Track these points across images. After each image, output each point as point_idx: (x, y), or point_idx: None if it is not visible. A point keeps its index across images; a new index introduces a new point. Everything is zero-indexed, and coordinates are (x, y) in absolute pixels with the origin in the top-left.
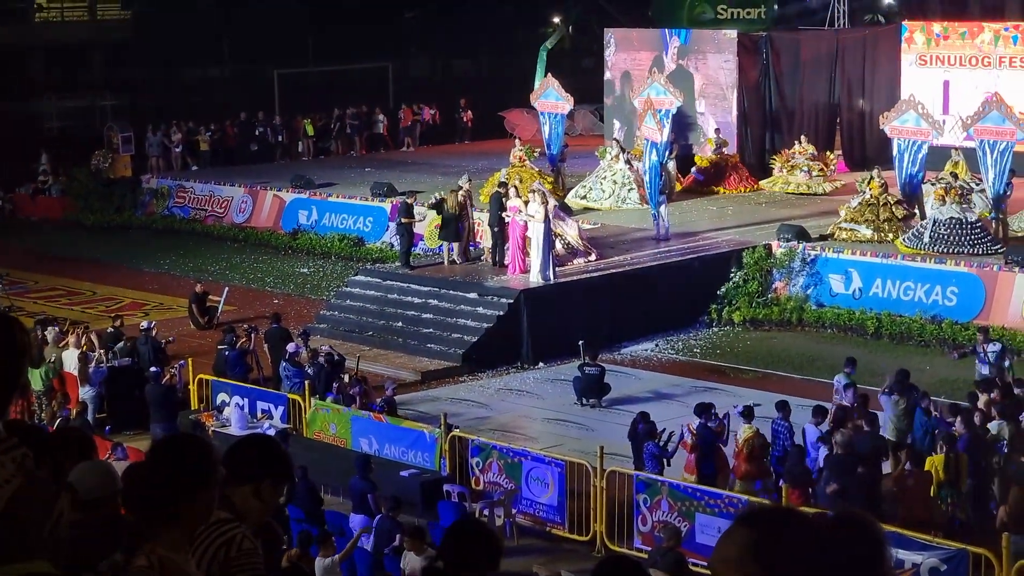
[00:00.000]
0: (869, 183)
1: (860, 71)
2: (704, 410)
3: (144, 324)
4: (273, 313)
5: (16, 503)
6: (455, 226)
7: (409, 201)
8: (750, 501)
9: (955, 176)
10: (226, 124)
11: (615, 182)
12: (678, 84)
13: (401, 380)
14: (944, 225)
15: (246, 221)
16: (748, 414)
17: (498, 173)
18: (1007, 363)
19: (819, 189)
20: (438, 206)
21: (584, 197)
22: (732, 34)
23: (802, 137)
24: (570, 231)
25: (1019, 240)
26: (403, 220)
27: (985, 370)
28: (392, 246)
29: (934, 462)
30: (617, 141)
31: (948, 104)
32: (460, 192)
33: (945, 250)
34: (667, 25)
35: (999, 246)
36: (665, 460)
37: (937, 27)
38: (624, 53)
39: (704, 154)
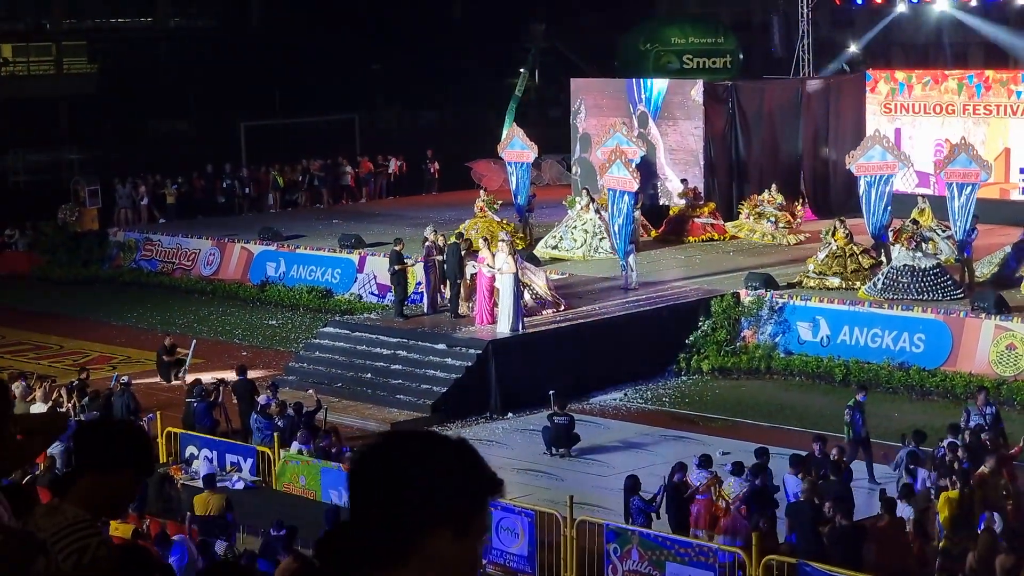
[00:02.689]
0: (834, 234)
1: (825, 119)
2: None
3: (124, 378)
4: (239, 365)
5: None
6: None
7: (398, 248)
8: (716, 547)
9: (916, 223)
10: (193, 177)
11: (586, 231)
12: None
13: (369, 431)
14: (898, 272)
15: (214, 273)
16: (738, 470)
17: (462, 225)
18: (1000, 426)
19: (783, 241)
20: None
21: (555, 247)
22: (699, 97)
23: (772, 186)
24: (538, 281)
25: (984, 286)
26: (397, 268)
27: (975, 423)
28: (360, 297)
29: (948, 497)
30: (587, 191)
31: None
32: (425, 243)
33: (896, 296)
34: (633, 75)
35: (959, 291)
36: (654, 514)
37: (901, 76)
38: (592, 103)
39: (675, 202)
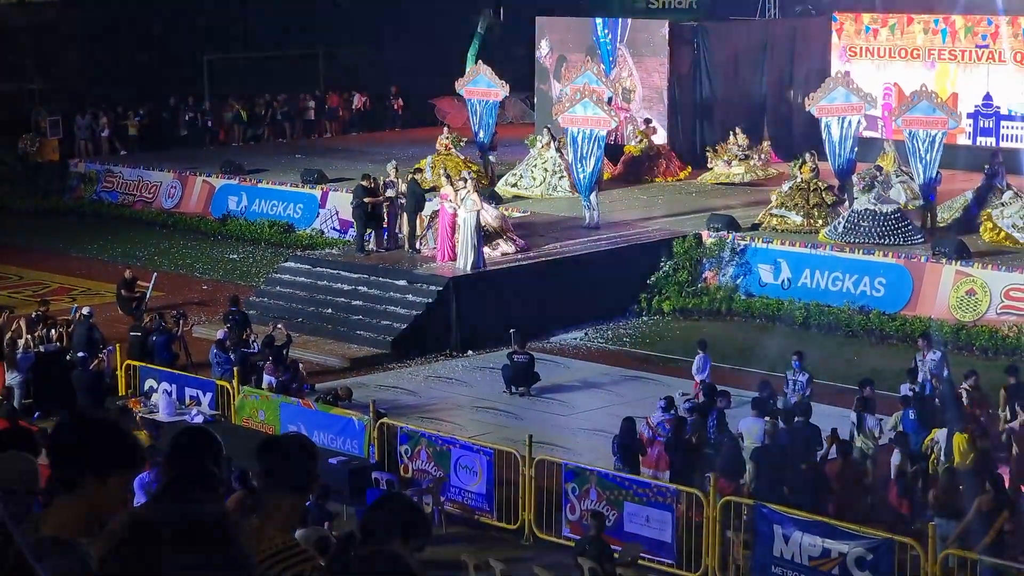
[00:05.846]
0: (801, 167)
1: (789, 62)
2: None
3: (84, 310)
4: (232, 296)
5: None
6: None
7: (364, 183)
8: (675, 488)
9: (879, 168)
10: (154, 108)
11: (546, 170)
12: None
13: (330, 367)
14: (859, 216)
15: (175, 207)
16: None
17: (424, 160)
18: (945, 372)
19: (760, 173)
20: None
21: (515, 185)
22: (665, 32)
23: (736, 129)
24: (487, 215)
25: (946, 231)
26: (365, 201)
27: (920, 378)
28: (322, 233)
29: (959, 441)
30: (548, 129)
31: None
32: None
33: (857, 240)
34: (599, 14)
35: (919, 236)
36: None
37: (867, 18)
38: (557, 39)
39: (634, 144)
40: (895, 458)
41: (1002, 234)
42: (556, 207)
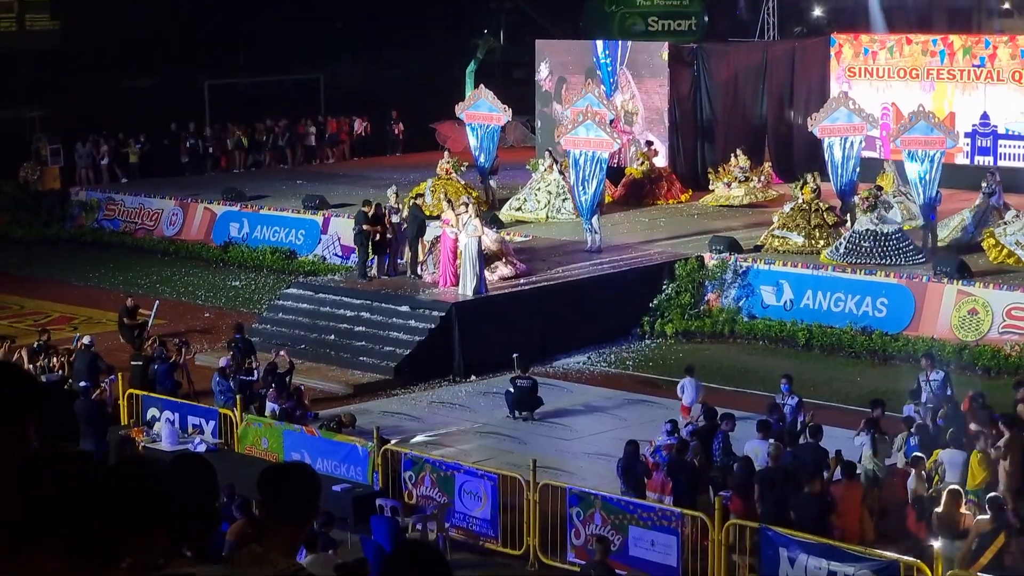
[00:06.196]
0: (802, 188)
1: (789, 83)
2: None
3: (85, 339)
4: (236, 323)
5: None
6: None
7: (365, 209)
8: (680, 512)
9: (880, 188)
10: (156, 136)
11: (549, 192)
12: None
13: (333, 393)
14: (861, 236)
15: (177, 234)
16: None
17: (423, 184)
18: (949, 392)
19: (760, 196)
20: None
21: (519, 209)
22: (665, 55)
23: (737, 151)
24: (486, 240)
25: (946, 250)
26: (364, 228)
27: (924, 398)
28: (324, 259)
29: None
30: (549, 152)
31: None
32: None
33: (858, 260)
34: (598, 36)
35: (921, 256)
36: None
37: (866, 39)
38: (557, 61)
39: (636, 166)
40: (911, 482)
41: (1005, 251)
42: (560, 231)
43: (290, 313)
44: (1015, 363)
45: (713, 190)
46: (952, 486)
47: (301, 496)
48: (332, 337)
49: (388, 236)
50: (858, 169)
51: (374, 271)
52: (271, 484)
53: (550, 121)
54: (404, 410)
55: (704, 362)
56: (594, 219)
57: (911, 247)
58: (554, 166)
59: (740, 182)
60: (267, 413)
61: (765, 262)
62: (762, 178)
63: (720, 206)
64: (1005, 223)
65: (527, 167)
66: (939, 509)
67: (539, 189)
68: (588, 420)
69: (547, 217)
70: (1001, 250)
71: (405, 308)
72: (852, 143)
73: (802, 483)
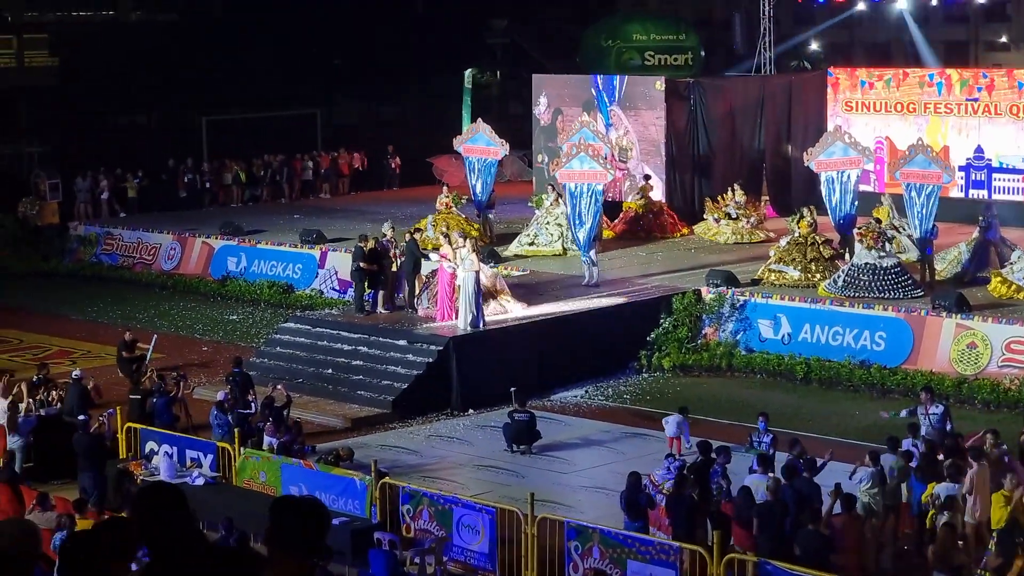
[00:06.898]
0: (799, 222)
1: (786, 117)
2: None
3: (76, 372)
4: (235, 357)
5: None
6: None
7: (362, 245)
8: (678, 545)
9: (879, 221)
10: (154, 171)
11: (560, 225)
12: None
13: (331, 427)
14: (859, 270)
15: (175, 268)
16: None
17: (424, 220)
18: (948, 426)
19: (749, 238)
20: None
21: (531, 243)
22: (661, 86)
23: (735, 185)
24: (482, 275)
25: (945, 284)
26: (363, 266)
27: (924, 432)
28: (322, 293)
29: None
30: (551, 186)
31: None
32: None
33: (856, 294)
34: (595, 71)
35: (919, 290)
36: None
37: (863, 73)
38: (555, 94)
39: (633, 200)
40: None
41: (1013, 287)
42: (559, 266)
43: (288, 347)
44: (1015, 397)
45: (706, 219)
46: (947, 521)
47: (309, 529)
48: (330, 371)
49: (392, 270)
50: (856, 203)
51: (370, 306)
52: (281, 514)
53: (555, 155)
54: (402, 444)
55: (701, 396)
56: (592, 252)
57: (909, 281)
58: (559, 200)
59: (731, 219)
60: (264, 447)
61: (762, 296)
62: (752, 219)
63: (723, 244)
64: (1011, 263)
65: (529, 203)
66: (934, 546)
67: (548, 223)
68: (586, 453)
69: (564, 249)
70: (1010, 286)
71: (403, 342)
72: (849, 176)
73: (803, 519)
